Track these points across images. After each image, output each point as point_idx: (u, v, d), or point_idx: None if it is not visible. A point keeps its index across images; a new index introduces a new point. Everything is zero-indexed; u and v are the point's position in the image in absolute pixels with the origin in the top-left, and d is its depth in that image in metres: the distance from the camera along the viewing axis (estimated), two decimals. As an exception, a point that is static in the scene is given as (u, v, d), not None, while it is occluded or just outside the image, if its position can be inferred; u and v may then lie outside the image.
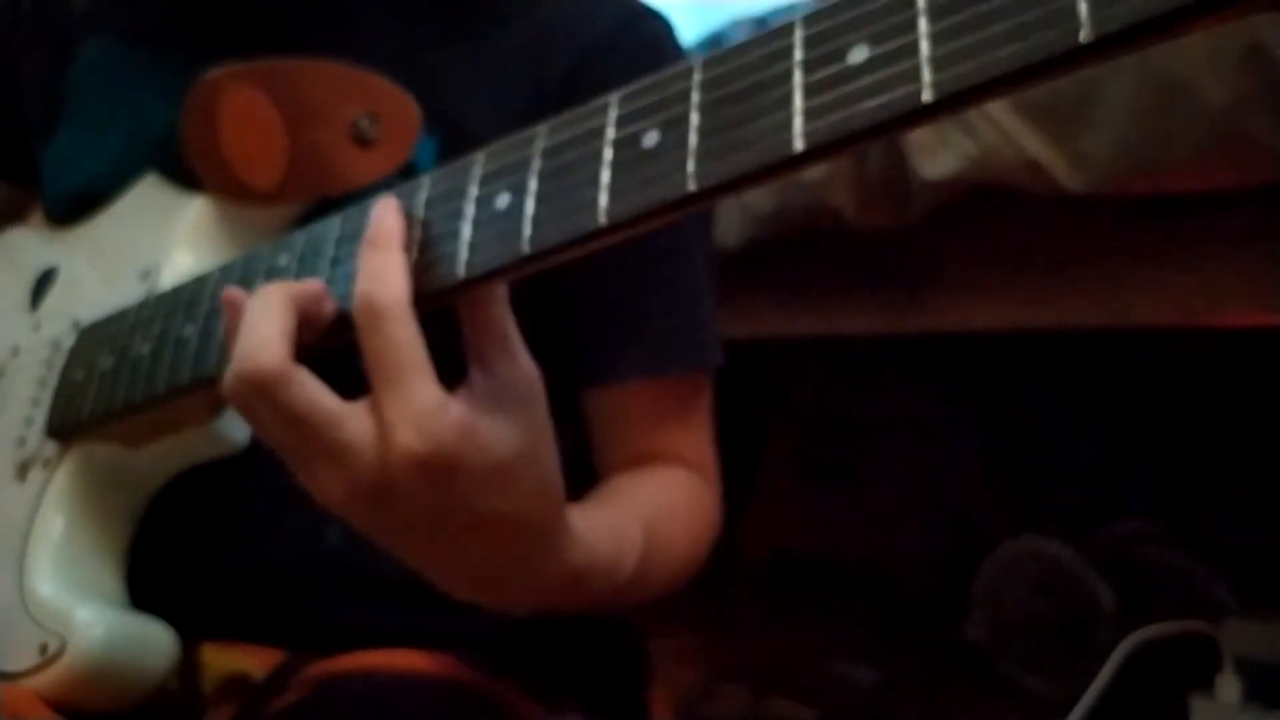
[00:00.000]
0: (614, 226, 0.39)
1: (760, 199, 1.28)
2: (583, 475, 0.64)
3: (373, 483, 0.42)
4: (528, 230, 0.40)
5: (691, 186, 0.36)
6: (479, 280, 0.42)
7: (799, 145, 0.34)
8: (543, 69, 0.61)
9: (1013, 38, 0.30)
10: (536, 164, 0.42)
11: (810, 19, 0.35)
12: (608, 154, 0.39)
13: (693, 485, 0.66)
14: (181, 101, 0.58)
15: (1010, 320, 1.17)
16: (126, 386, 0.56)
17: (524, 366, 0.45)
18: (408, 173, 0.56)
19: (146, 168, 0.65)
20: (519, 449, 0.43)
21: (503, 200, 0.42)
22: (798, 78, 0.35)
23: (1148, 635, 1.17)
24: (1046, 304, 1.13)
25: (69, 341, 0.63)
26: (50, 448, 0.61)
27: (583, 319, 0.65)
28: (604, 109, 0.40)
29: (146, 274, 0.62)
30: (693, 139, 0.37)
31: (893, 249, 1.26)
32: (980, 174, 1.03)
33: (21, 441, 0.63)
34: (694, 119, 0.37)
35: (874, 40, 0.33)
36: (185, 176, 0.62)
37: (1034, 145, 0.97)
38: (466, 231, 0.43)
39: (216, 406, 0.57)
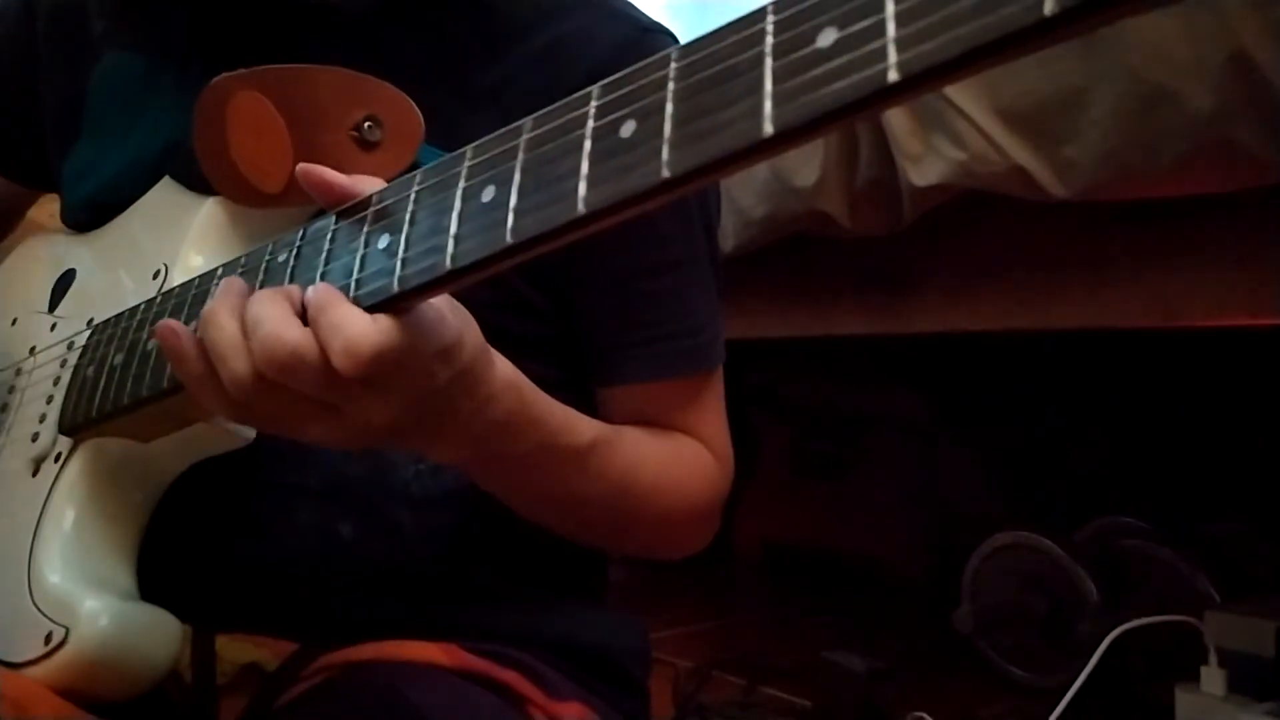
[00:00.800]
0: (592, 215, 0.39)
1: (754, 205, 1.30)
2: None
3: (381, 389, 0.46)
4: (511, 221, 0.41)
5: (666, 173, 0.36)
6: (464, 271, 0.43)
7: (769, 129, 0.34)
8: (554, 86, 0.62)
9: (977, 13, 0.30)
10: (520, 156, 0.42)
11: (782, 3, 0.35)
12: (587, 144, 0.39)
13: (695, 448, 0.69)
14: (193, 110, 0.60)
15: (996, 322, 1.18)
16: (134, 381, 0.57)
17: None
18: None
19: (162, 174, 0.67)
20: (453, 325, 0.48)
21: (488, 193, 0.43)
22: (768, 63, 0.35)
23: (1132, 627, 1.19)
24: (1032, 306, 1.14)
25: (83, 340, 0.64)
26: (62, 443, 0.62)
27: (593, 327, 0.67)
28: (586, 99, 0.41)
29: (158, 274, 0.63)
30: (667, 127, 0.37)
31: (883, 253, 1.27)
32: (968, 181, 1.04)
33: (35, 438, 0.63)
34: (669, 107, 0.37)
35: (842, 22, 0.33)
36: (197, 181, 0.63)
37: (1020, 153, 0.99)
38: (453, 224, 0.44)
39: None
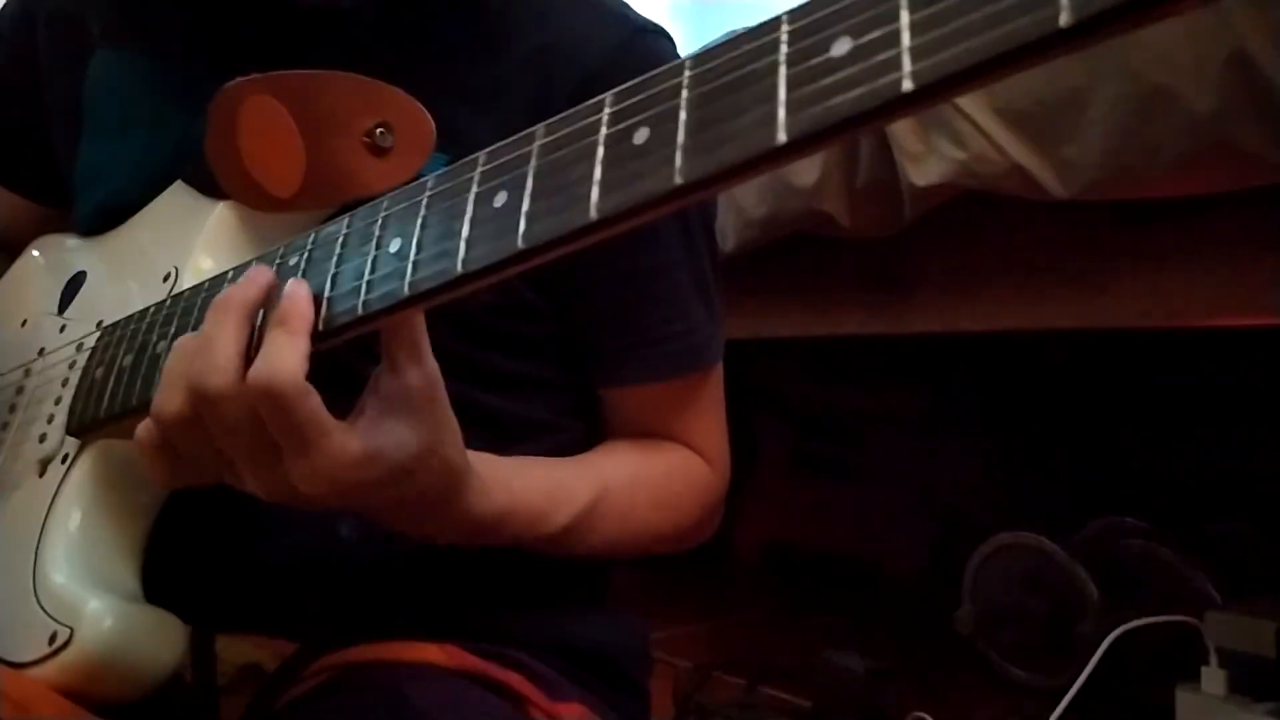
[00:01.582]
0: (604, 221, 0.39)
1: (755, 205, 1.30)
2: None
3: (289, 495, 0.49)
4: (522, 226, 0.41)
5: (678, 180, 0.36)
6: (474, 276, 0.43)
7: (782, 137, 0.34)
8: (549, 88, 0.63)
9: (991, 24, 0.30)
10: (533, 162, 0.42)
11: (797, 13, 0.35)
12: (600, 151, 0.40)
13: (688, 462, 0.69)
14: (203, 112, 0.60)
15: (996, 322, 1.18)
16: (143, 383, 0.57)
17: (428, 367, 0.50)
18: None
19: (173, 178, 0.67)
20: (418, 448, 0.50)
21: (500, 198, 0.43)
22: (782, 71, 0.35)
23: (1133, 627, 1.19)
24: (1033, 306, 1.14)
25: (92, 342, 0.64)
26: (69, 444, 0.62)
27: (592, 329, 0.67)
28: (599, 107, 0.41)
29: (168, 277, 0.63)
30: (680, 135, 0.37)
31: (883, 253, 1.27)
32: (968, 181, 1.04)
33: (42, 439, 0.64)
34: (682, 115, 0.37)
35: (857, 32, 0.33)
36: (209, 185, 0.63)
37: (1021, 152, 0.99)
38: (465, 228, 0.44)
39: None
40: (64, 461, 0.62)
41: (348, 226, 0.50)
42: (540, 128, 0.43)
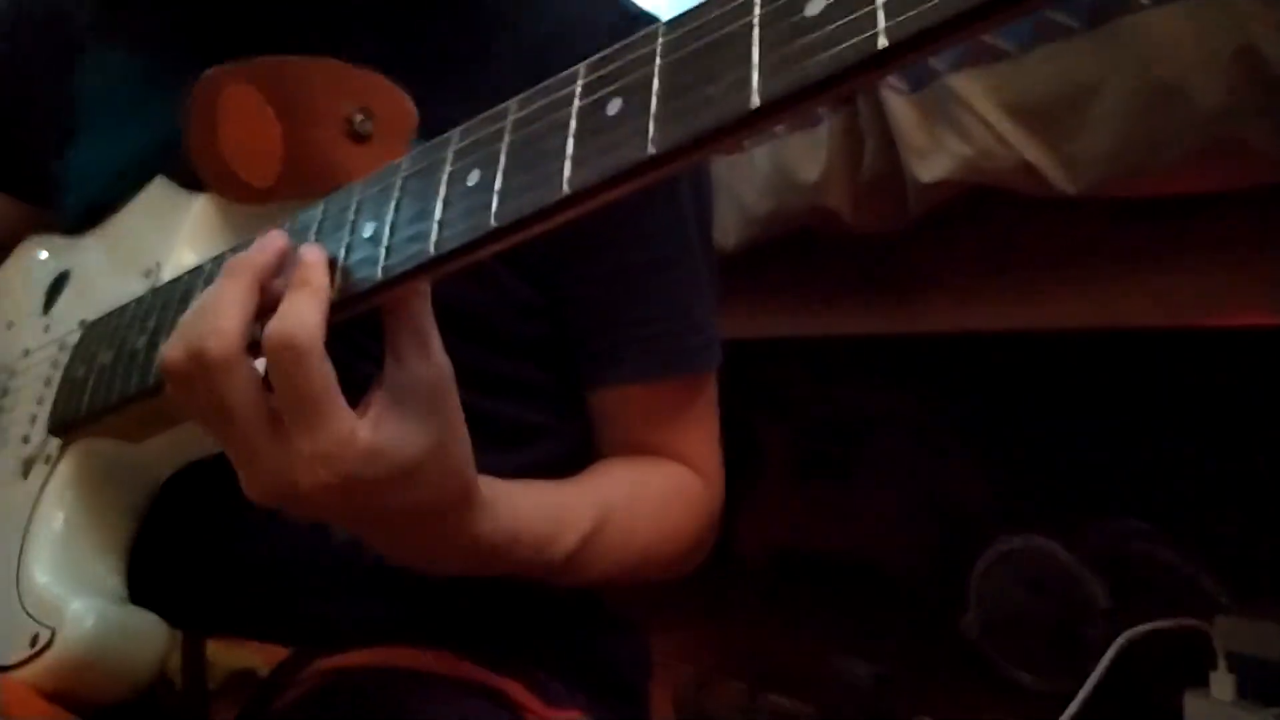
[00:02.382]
0: (576, 196, 0.38)
1: (757, 201, 1.29)
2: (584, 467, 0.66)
3: (282, 488, 0.45)
4: (495, 204, 0.40)
5: (651, 150, 0.36)
6: (448, 257, 0.42)
7: (755, 101, 0.33)
8: (542, 76, 0.62)
9: None
10: (506, 139, 0.41)
11: None
12: (573, 124, 0.39)
13: (683, 481, 0.68)
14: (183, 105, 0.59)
15: (1004, 321, 1.17)
16: (122, 380, 0.56)
17: (438, 362, 0.47)
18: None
19: (156, 173, 0.66)
20: (425, 447, 0.46)
21: (473, 176, 0.42)
22: (756, 34, 0.34)
23: (1141, 632, 1.18)
24: (1039, 305, 1.13)
25: (74, 341, 0.64)
26: (52, 444, 0.62)
27: (586, 325, 0.66)
28: (572, 78, 0.40)
29: (149, 272, 0.63)
30: (653, 103, 0.36)
31: (888, 251, 1.26)
32: (974, 176, 1.03)
33: (26, 439, 0.64)
34: (655, 83, 0.36)
35: None
36: (190, 178, 0.63)
37: (1027, 148, 0.98)
38: (438, 209, 0.43)
39: None
40: (47, 462, 0.61)
41: (323, 212, 0.49)
42: (513, 102, 0.42)
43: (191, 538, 0.63)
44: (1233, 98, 0.88)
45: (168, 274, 0.61)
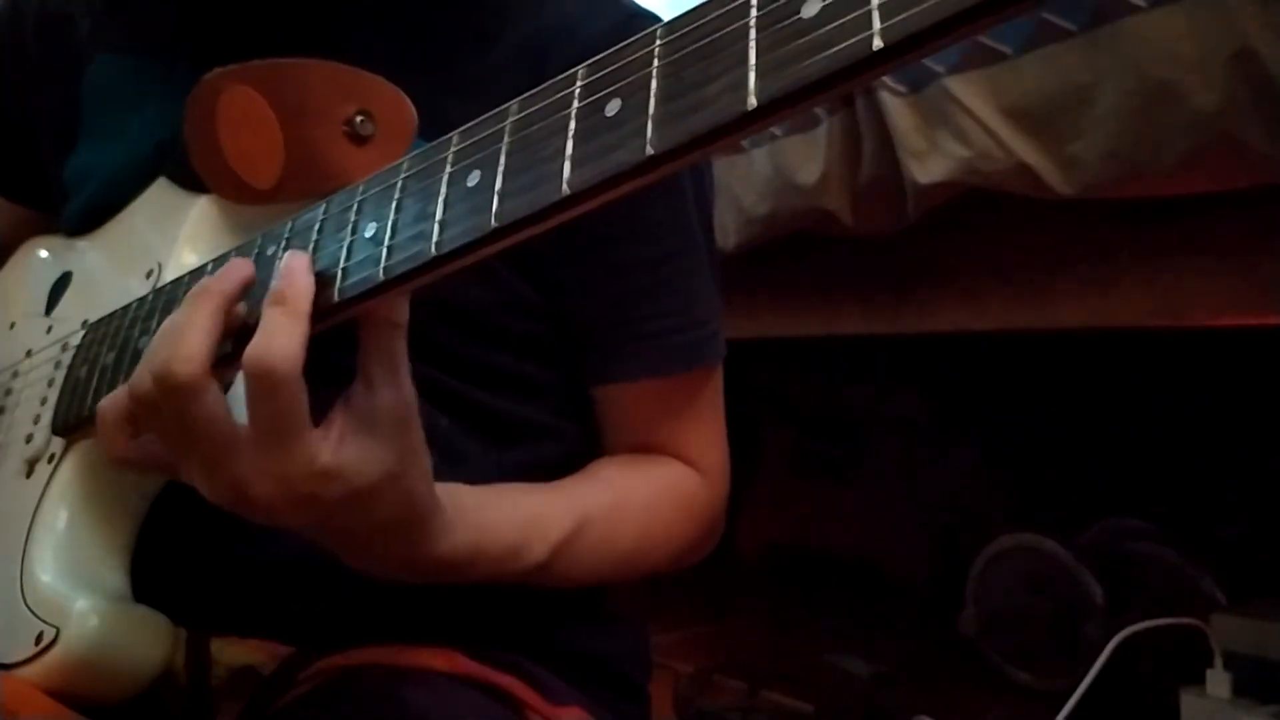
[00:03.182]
0: (576, 196, 0.38)
1: (756, 203, 1.30)
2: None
3: (238, 498, 0.47)
4: (495, 205, 0.40)
5: (650, 150, 0.36)
6: (449, 257, 0.42)
7: (752, 102, 0.33)
8: (542, 76, 0.62)
9: None
10: (506, 139, 0.41)
11: None
12: (572, 125, 0.39)
13: (678, 481, 0.68)
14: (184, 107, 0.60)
15: (1002, 321, 1.18)
16: (125, 380, 0.55)
17: (404, 391, 0.48)
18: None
19: (157, 174, 0.66)
20: (383, 473, 0.47)
21: (473, 177, 0.42)
22: (752, 35, 0.34)
23: (1138, 630, 1.18)
24: (1037, 305, 1.14)
25: (77, 341, 0.64)
26: (56, 444, 0.62)
27: (588, 322, 0.66)
28: (572, 80, 0.40)
29: (151, 273, 0.63)
30: (651, 104, 0.36)
31: (887, 252, 1.27)
32: (973, 178, 1.04)
33: (29, 439, 0.63)
34: (654, 84, 0.37)
35: None
36: (191, 179, 0.63)
37: (1025, 150, 0.98)
38: (438, 210, 0.43)
39: None
40: (50, 461, 0.61)
41: (324, 212, 0.49)
42: (514, 104, 0.42)
43: (194, 536, 0.63)
44: (1229, 99, 0.88)
45: (170, 274, 0.61)
